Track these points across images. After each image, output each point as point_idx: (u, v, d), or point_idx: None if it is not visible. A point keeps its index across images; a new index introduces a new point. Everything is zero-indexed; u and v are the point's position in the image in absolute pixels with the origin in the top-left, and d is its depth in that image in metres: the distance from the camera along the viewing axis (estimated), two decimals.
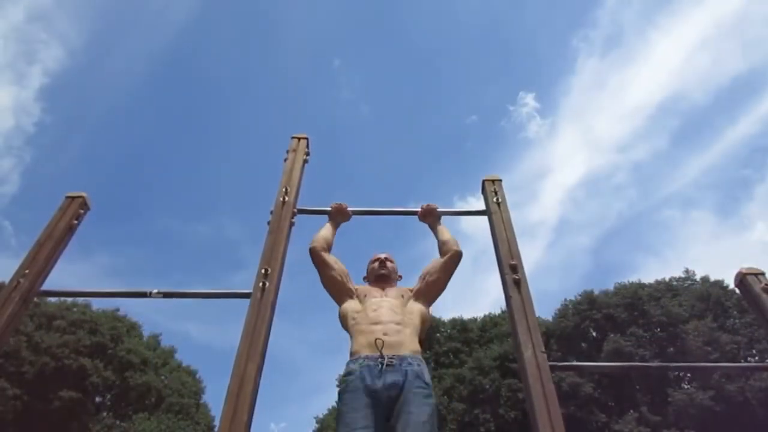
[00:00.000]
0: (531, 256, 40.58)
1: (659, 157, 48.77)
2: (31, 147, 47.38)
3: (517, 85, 68.51)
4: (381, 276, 2.97)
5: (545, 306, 28.44)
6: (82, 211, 2.94)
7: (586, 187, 50.57)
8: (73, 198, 2.94)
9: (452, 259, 2.91)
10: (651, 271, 53.63)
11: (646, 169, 46.47)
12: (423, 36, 64.67)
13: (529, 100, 55.15)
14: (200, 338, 46.05)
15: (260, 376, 2.06)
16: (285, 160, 3.09)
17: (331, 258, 2.90)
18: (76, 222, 2.88)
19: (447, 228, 3.08)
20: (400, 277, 3.08)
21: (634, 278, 27.32)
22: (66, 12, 52.47)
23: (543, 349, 2.20)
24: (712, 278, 25.80)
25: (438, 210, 3.09)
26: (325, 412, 28.37)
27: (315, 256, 2.88)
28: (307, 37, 64.43)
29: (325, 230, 3.01)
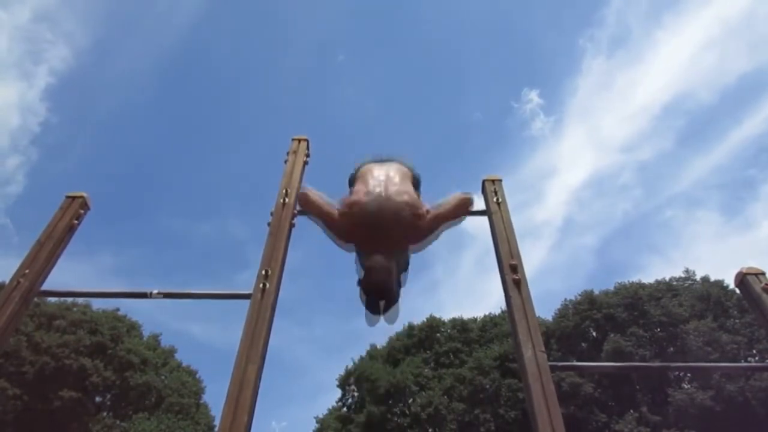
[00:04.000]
0: (535, 256, 40.53)
1: (665, 157, 48.66)
2: (36, 147, 47.32)
3: (521, 84, 68.34)
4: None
5: (550, 306, 28.36)
6: (82, 211, 2.94)
7: (592, 188, 50.46)
8: (74, 198, 2.95)
9: (459, 204, 2.73)
10: (656, 272, 53.50)
11: (651, 169, 46.34)
12: (428, 32, 64.48)
13: (533, 97, 55.02)
14: (203, 338, 46.01)
15: (260, 378, 2.05)
16: (285, 161, 3.10)
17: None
18: (76, 222, 2.88)
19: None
20: None
21: (638, 279, 27.27)
22: (72, 12, 52.43)
23: (543, 349, 2.20)
24: (717, 278, 25.83)
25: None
26: (325, 412, 28.42)
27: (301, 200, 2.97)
28: (312, 32, 64.31)
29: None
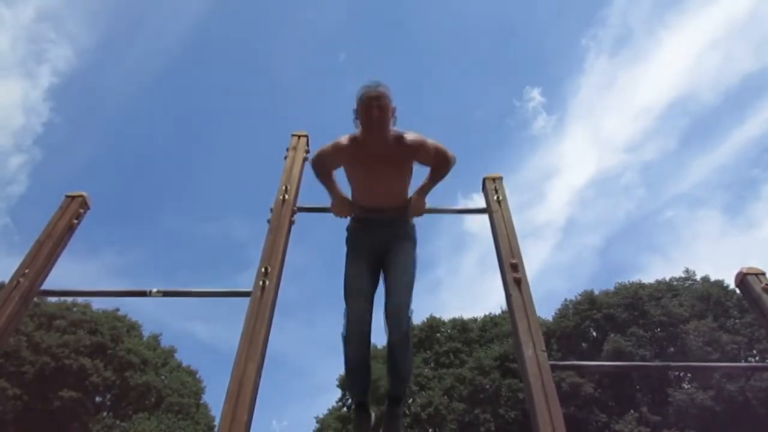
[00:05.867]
0: (538, 256, 40.57)
1: (668, 157, 48.72)
2: (39, 146, 47.33)
3: (523, 82, 68.43)
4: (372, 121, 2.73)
5: (551, 306, 28.37)
6: (82, 211, 2.94)
7: (595, 188, 50.42)
8: (73, 197, 2.94)
9: (444, 163, 2.93)
10: (658, 271, 53.51)
11: (654, 169, 46.37)
12: (429, 30, 64.50)
13: (535, 95, 55.07)
14: (203, 338, 46.02)
15: (260, 376, 2.04)
16: (285, 158, 3.10)
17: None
18: (76, 221, 2.88)
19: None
20: (395, 115, 2.81)
21: (639, 279, 27.25)
22: (75, 12, 52.46)
23: (543, 348, 2.19)
24: (718, 278, 25.82)
25: (426, 207, 3.01)
26: (325, 412, 28.40)
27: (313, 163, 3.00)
28: (314, 31, 64.32)
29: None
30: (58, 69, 47.68)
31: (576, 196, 50.03)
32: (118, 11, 53.45)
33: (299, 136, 3.25)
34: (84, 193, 2.96)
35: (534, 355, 2.15)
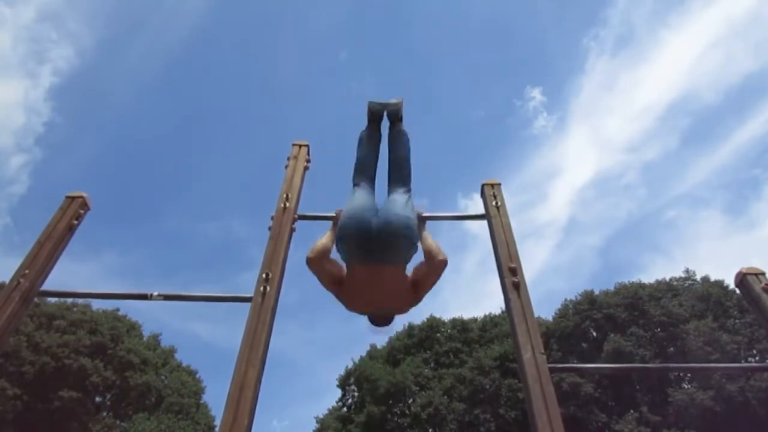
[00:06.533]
0: (539, 256, 40.61)
1: (669, 157, 48.71)
2: (40, 146, 47.29)
3: (523, 82, 68.40)
4: None
5: (551, 306, 28.37)
6: (82, 211, 2.95)
7: (596, 187, 50.41)
8: (73, 198, 2.95)
9: (436, 271, 2.68)
10: (659, 272, 53.46)
11: (656, 169, 46.41)
12: (431, 29, 64.42)
13: (536, 95, 55.03)
14: (204, 337, 46.04)
15: (260, 381, 2.06)
16: (286, 167, 3.12)
17: (327, 266, 2.69)
18: (76, 222, 2.89)
19: (428, 234, 2.82)
20: None
21: (639, 279, 27.25)
22: (77, 12, 52.50)
23: (542, 351, 2.20)
24: (718, 278, 25.81)
25: (425, 214, 2.90)
26: (326, 412, 28.42)
27: (311, 266, 2.68)
28: (313, 30, 64.25)
29: (326, 239, 2.73)
30: (59, 69, 47.71)
31: (577, 196, 50.05)
32: (118, 11, 53.48)
33: (300, 146, 3.27)
34: (84, 194, 2.97)
35: (533, 357, 2.16)
